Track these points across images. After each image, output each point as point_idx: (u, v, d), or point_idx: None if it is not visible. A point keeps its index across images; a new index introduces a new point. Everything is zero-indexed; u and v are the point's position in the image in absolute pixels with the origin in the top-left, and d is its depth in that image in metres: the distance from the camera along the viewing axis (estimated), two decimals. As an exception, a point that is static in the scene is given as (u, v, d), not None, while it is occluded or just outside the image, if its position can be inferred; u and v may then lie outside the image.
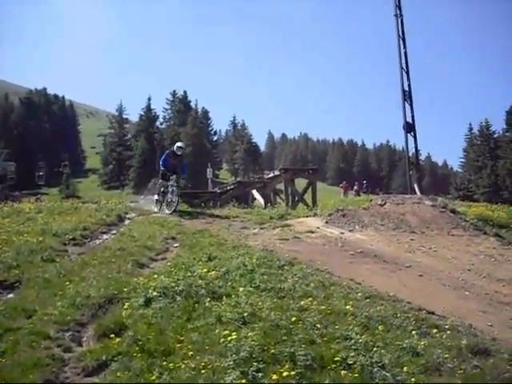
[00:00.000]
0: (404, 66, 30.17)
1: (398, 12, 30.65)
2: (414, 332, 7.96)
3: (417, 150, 30.98)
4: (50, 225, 18.72)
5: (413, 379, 6.18)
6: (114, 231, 19.38)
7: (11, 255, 13.60)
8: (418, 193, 28.15)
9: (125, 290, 10.51)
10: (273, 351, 6.79)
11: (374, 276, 12.41)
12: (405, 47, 30.48)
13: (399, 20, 30.67)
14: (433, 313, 9.45)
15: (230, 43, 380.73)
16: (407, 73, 30.03)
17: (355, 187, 50.74)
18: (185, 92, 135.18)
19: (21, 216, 21.51)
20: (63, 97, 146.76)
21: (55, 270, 12.53)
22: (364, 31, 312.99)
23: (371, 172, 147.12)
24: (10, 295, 11.12)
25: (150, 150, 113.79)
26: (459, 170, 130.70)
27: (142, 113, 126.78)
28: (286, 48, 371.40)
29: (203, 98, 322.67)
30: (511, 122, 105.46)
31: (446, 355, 7.05)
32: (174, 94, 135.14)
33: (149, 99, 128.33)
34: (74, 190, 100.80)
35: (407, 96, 29.65)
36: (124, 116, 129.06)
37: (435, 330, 8.15)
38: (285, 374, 5.88)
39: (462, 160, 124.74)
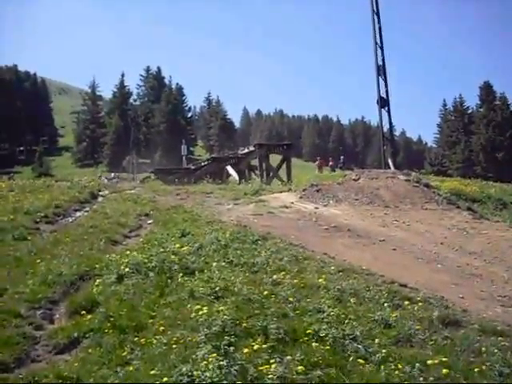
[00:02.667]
0: (378, 41, 30.19)
1: (373, -14, 30.55)
2: (386, 304, 8.02)
3: (391, 125, 31.15)
4: (22, 203, 18.52)
5: (384, 350, 6.21)
6: (87, 208, 19.27)
7: (-19, 234, 13.42)
8: (391, 168, 28.31)
9: (97, 266, 10.47)
10: (245, 325, 6.78)
11: (348, 250, 12.49)
12: (379, 22, 30.45)
13: (373, -5, 30.57)
14: (405, 285, 9.53)
15: (205, 17, 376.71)
16: (381, 48, 30.05)
17: (330, 163, 50.86)
18: (158, 68, 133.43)
19: (-8, 194, 21.22)
20: (35, 73, 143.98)
21: (26, 248, 12.41)
22: (339, 6, 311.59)
23: (346, 148, 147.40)
24: (-19, 274, 10.97)
25: (124, 127, 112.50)
26: (433, 145, 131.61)
27: (116, 90, 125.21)
28: (261, 23, 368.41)
29: (177, 74, 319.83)
30: (484, 98, 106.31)
31: (418, 327, 7.10)
32: (147, 70, 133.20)
33: (122, 75, 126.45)
34: (48, 168, 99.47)
35: (381, 71, 29.66)
36: (97, 93, 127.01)
37: (407, 302, 8.22)
38: (256, 347, 5.87)
39: (437, 135, 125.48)
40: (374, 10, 30.44)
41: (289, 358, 5.75)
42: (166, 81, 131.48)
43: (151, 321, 7.45)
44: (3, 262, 11.38)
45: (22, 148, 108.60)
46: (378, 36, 30.30)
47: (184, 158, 59.94)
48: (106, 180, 43.73)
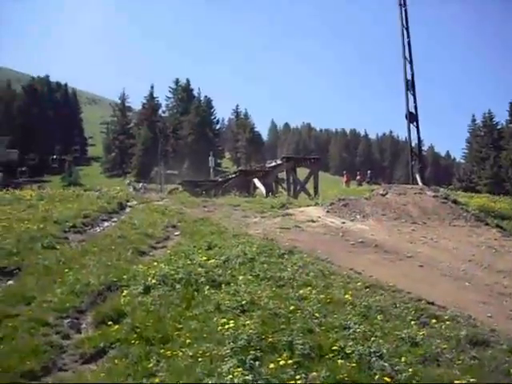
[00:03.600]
0: (407, 55, 29.92)
1: (402, 1, 30.42)
2: (413, 322, 7.96)
3: (419, 140, 30.79)
4: (51, 212, 18.75)
5: (411, 369, 6.15)
6: (115, 219, 19.42)
7: (11, 242, 13.61)
8: (419, 183, 28.01)
9: (124, 277, 10.52)
10: (271, 340, 6.78)
11: (375, 266, 12.38)
12: (408, 37, 30.22)
13: (403, 9, 30.38)
14: (432, 303, 9.42)
15: (233, 33, 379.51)
16: (410, 62, 29.79)
17: (358, 177, 50.65)
18: (187, 80, 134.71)
19: (22, 203, 21.56)
20: (66, 84, 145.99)
21: (55, 257, 12.54)
22: (367, 21, 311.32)
23: (374, 162, 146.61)
24: (10, 282, 11.12)
25: (153, 138, 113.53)
26: (462, 160, 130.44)
27: (145, 101, 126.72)
28: (288, 39, 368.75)
29: (206, 86, 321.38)
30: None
31: (445, 346, 7.03)
32: (176, 82, 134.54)
33: (151, 87, 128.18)
34: (77, 177, 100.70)
35: (410, 86, 29.42)
36: (127, 104, 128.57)
37: (434, 321, 8.13)
38: (282, 362, 5.86)
39: (465, 151, 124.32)
40: (403, 25, 30.24)
41: (314, 374, 5.72)
42: (195, 93, 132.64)
43: (177, 333, 7.47)
44: (32, 271, 11.54)
45: (54, 156, 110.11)
46: (407, 50, 30.08)
47: (211, 169, 60.27)
48: (132, 188, 44.12)
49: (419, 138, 30.49)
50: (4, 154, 78.94)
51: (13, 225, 15.97)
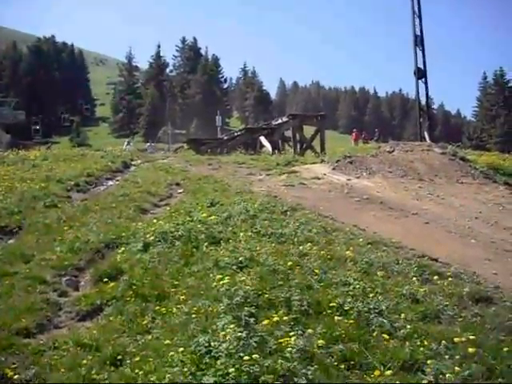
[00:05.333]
0: (416, 9, 29.31)
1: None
2: (414, 279, 7.77)
3: (428, 97, 30.40)
4: (55, 171, 18.70)
5: (410, 326, 6.01)
6: (119, 177, 19.33)
7: (14, 201, 13.61)
8: (427, 140, 27.69)
9: (124, 235, 10.44)
10: (268, 296, 6.64)
11: (379, 222, 12.21)
12: (418, -10, 29.55)
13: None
14: (436, 260, 9.24)
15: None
16: (419, 17, 29.19)
17: (363, 135, 50.08)
18: (194, 39, 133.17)
19: (26, 163, 21.52)
20: (72, 44, 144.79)
21: (56, 215, 12.51)
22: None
23: (383, 121, 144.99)
24: (11, 241, 11.12)
25: (160, 97, 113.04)
26: (472, 119, 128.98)
27: (152, 60, 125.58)
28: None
29: (213, 45, 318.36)
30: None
31: (447, 302, 6.86)
32: (183, 40, 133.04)
33: (158, 46, 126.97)
34: (85, 138, 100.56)
35: (419, 41, 28.88)
36: (134, 64, 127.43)
37: (437, 277, 7.93)
38: (275, 319, 5.71)
39: (476, 109, 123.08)
40: (412, -21, 29.58)
41: (310, 331, 5.59)
42: (202, 51, 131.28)
43: (174, 290, 7.37)
44: (33, 229, 11.51)
45: (66, 115, 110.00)
46: (415, 5, 29.45)
47: (219, 128, 59.88)
48: (128, 147, 44.12)
49: (428, 94, 30.11)
50: (11, 116, 78.87)
51: (15, 184, 15.95)
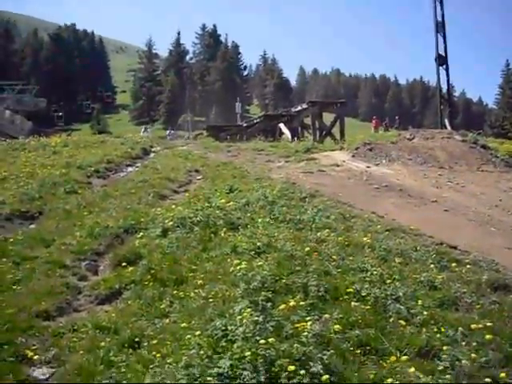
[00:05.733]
0: (437, -5, 28.93)
1: None
2: (432, 266, 7.75)
3: (448, 84, 30.07)
4: (75, 158, 18.87)
5: (427, 312, 5.99)
6: (139, 164, 19.43)
7: (35, 187, 13.76)
8: (448, 128, 27.42)
9: (143, 220, 10.52)
10: (285, 281, 6.66)
11: (398, 210, 12.17)
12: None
13: None
14: (455, 247, 9.21)
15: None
16: (441, 3, 28.81)
17: (385, 122, 49.77)
18: (214, 26, 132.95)
19: (47, 150, 21.70)
20: (92, 32, 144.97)
21: (76, 201, 12.63)
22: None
23: (404, 108, 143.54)
24: (32, 226, 11.26)
25: (180, 85, 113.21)
26: (494, 106, 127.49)
27: (172, 48, 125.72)
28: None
29: (233, 32, 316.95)
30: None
31: (465, 290, 6.82)
32: (203, 28, 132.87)
33: (178, 33, 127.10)
34: (105, 125, 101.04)
35: (440, 27, 28.51)
36: (153, 51, 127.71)
37: (455, 264, 7.90)
38: (292, 304, 5.73)
39: (498, 97, 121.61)
40: (433, -37, 29.15)
41: (327, 316, 5.60)
42: (222, 39, 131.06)
43: (192, 274, 7.43)
44: (53, 215, 11.65)
45: (88, 102, 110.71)
46: (437, -11, 29.06)
47: (238, 116, 59.72)
48: (146, 134, 44.23)
49: (449, 81, 29.79)
50: (33, 103, 79.35)
51: (36, 171, 16.12)
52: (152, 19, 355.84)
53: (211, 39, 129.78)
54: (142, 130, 51.83)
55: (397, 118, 54.12)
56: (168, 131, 61.95)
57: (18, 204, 12.17)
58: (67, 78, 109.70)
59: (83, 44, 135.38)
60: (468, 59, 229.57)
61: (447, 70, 29.12)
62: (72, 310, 7.11)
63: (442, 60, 28.81)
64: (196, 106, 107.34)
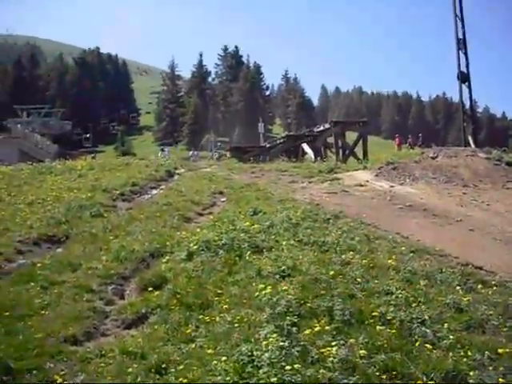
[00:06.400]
0: (458, 12, 28.80)
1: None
2: (458, 287, 7.72)
3: (471, 101, 29.84)
4: (101, 181, 19.07)
5: (453, 336, 5.96)
6: (163, 186, 19.57)
7: (61, 211, 13.92)
8: (472, 145, 27.20)
9: (168, 244, 10.60)
10: (310, 305, 6.68)
11: (422, 230, 12.10)
12: (460, -7, 29.09)
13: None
14: (481, 268, 9.14)
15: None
16: (462, 20, 28.64)
17: (409, 140, 49.56)
18: (236, 47, 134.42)
19: (73, 173, 21.96)
20: (116, 55, 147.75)
21: (102, 224, 12.75)
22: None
23: (427, 125, 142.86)
24: (59, 250, 11.38)
25: (203, 106, 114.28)
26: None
27: (194, 69, 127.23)
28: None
29: (255, 52, 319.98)
30: None
31: (491, 312, 6.78)
32: (225, 49, 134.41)
33: (200, 55, 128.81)
34: (130, 147, 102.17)
35: (462, 44, 28.36)
36: (176, 73, 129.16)
37: (481, 286, 7.88)
38: (317, 328, 5.75)
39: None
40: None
41: (352, 340, 5.60)
42: (244, 59, 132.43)
43: (217, 299, 7.46)
44: (80, 239, 11.77)
45: (113, 124, 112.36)
46: (458, 7, 28.96)
47: (261, 135, 60.04)
48: (164, 154, 44.50)
49: (471, 98, 29.53)
50: (58, 126, 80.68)
51: (63, 194, 16.32)
52: (175, 42, 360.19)
53: (233, 60, 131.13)
54: (160, 152, 51.69)
55: (420, 135, 53.83)
56: (191, 152, 62.39)
57: (45, 228, 12.31)
58: (92, 100, 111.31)
59: (107, 67, 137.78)
60: (491, 74, 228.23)
61: (470, 86, 28.92)
62: (99, 334, 7.16)
63: (464, 77, 28.62)
64: (219, 127, 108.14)
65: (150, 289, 8.29)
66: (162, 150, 51.43)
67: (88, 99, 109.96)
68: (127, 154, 67.01)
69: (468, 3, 31.11)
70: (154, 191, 18.61)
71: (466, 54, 28.23)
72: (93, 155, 58.14)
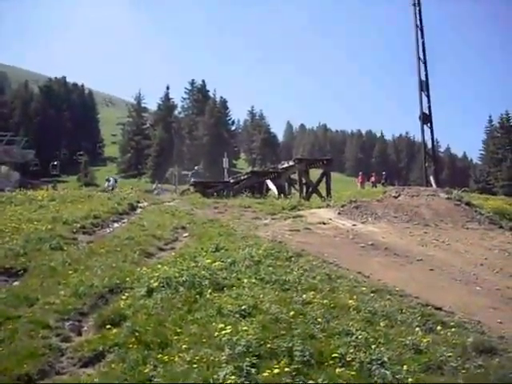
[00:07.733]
0: (421, 55, 29.69)
1: (416, 1, 30.20)
2: (418, 328, 7.76)
3: (433, 142, 30.60)
4: (62, 213, 18.75)
5: (412, 378, 5.98)
6: (125, 220, 19.37)
7: (20, 243, 13.60)
8: (433, 185, 27.75)
9: (128, 279, 10.42)
10: (270, 346, 6.62)
11: (384, 269, 12.21)
12: (422, 37, 30.00)
13: (417, 9, 30.22)
14: (440, 308, 9.23)
15: (248, 33, 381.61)
16: (424, 63, 29.53)
17: (372, 178, 50.32)
18: (203, 81, 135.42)
19: (33, 204, 21.62)
20: (82, 85, 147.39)
21: (62, 258, 12.49)
22: (380, 21, 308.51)
23: (390, 163, 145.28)
24: (16, 283, 11.09)
25: (168, 139, 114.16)
26: (479, 162, 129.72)
27: (161, 102, 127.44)
28: (301, 38, 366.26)
29: (221, 87, 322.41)
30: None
31: (450, 353, 6.83)
32: (192, 83, 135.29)
33: (167, 88, 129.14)
34: (92, 177, 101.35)
35: (424, 86, 29.17)
36: (142, 105, 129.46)
37: (440, 327, 7.93)
38: (276, 371, 5.70)
39: (482, 152, 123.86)
40: (417, 25, 30.04)
41: (311, 382, 5.57)
42: (211, 94, 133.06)
43: (176, 337, 7.34)
44: (38, 272, 11.49)
45: (80, 153, 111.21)
46: (420, 51, 29.84)
47: (226, 170, 60.07)
48: (110, 184, 43.79)
49: (433, 139, 30.33)
50: (21, 155, 79.46)
51: (22, 225, 15.99)
52: (141, 73, 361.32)
53: (200, 94, 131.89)
54: (106, 182, 49.43)
55: (383, 173, 54.69)
56: (154, 185, 61.97)
57: (3, 260, 12.01)
58: (56, 129, 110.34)
59: (73, 96, 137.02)
60: (453, 115, 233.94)
61: (431, 127, 29.65)
62: (54, 372, 6.95)
63: (426, 118, 29.35)
64: (184, 160, 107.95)
65: (109, 326, 8.10)
66: (108, 180, 49.17)
67: (52, 128, 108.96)
68: (90, 185, 66.41)
69: (431, 46, 31.97)
70: (116, 224, 18.40)
71: (428, 96, 28.99)
72: (53, 185, 57.42)
